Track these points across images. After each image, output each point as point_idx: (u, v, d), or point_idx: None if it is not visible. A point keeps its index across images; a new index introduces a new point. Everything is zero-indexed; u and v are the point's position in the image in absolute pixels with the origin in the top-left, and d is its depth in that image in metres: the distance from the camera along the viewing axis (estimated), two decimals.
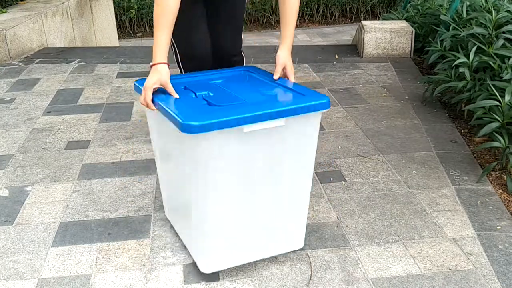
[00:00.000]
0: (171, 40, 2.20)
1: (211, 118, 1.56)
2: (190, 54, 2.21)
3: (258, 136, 1.67)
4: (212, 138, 1.59)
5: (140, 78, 1.91)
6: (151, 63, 1.81)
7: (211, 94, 1.82)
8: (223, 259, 1.83)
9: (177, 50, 2.26)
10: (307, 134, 1.77)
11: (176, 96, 1.77)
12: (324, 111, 1.73)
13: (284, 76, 2.00)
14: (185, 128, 1.55)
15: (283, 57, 1.99)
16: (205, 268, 1.82)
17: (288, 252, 1.97)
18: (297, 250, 1.99)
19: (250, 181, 1.73)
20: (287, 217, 1.86)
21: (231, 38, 2.32)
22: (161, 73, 1.78)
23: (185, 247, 2.00)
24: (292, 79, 1.97)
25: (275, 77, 1.96)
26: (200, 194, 1.69)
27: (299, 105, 1.68)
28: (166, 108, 1.68)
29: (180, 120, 1.56)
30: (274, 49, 4.59)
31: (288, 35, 2.02)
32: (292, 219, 1.88)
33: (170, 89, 1.79)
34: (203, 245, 1.78)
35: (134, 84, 1.88)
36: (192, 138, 1.57)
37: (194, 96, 1.81)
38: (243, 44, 2.40)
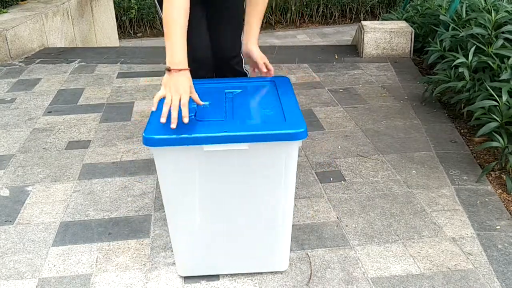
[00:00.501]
0: None
1: (173, 133, 1.58)
2: (190, 56, 2.22)
3: (222, 156, 1.64)
4: (170, 153, 1.62)
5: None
6: (178, 67, 1.67)
7: (206, 106, 1.79)
8: (195, 266, 1.85)
9: None
10: (278, 163, 1.67)
11: (201, 103, 1.72)
12: (300, 141, 1.63)
13: (266, 71, 2.06)
14: (145, 141, 1.60)
15: (257, 53, 2.07)
16: (179, 271, 1.88)
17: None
18: (297, 250, 1.99)
19: (217, 199, 1.72)
20: (262, 240, 1.81)
21: (231, 39, 2.32)
22: (190, 80, 1.67)
23: None
24: (271, 69, 2.05)
25: (263, 69, 2.04)
26: (164, 202, 1.75)
27: (266, 132, 1.60)
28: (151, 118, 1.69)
29: (144, 133, 1.60)
30: (274, 49, 4.60)
31: (255, 34, 2.11)
32: (267, 242, 1.82)
33: (196, 96, 1.69)
34: (174, 249, 1.84)
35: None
36: (154, 151, 1.62)
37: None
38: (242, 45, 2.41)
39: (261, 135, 1.60)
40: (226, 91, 1.93)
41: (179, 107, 1.62)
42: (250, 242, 1.82)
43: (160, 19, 2.05)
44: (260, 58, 2.06)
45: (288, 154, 1.66)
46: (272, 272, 1.88)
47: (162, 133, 1.60)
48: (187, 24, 1.74)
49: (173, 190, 1.71)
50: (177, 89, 1.64)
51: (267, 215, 1.77)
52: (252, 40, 2.09)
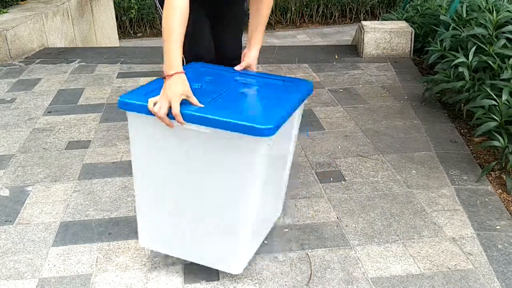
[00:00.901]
0: None
1: (145, 102, 1.63)
2: (194, 59, 2.24)
3: (187, 137, 1.63)
4: (139, 120, 1.68)
5: (124, 93, 1.79)
6: (170, 72, 1.65)
7: (204, 86, 1.82)
8: (153, 240, 1.89)
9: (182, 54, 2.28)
10: (239, 157, 1.60)
11: (200, 105, 1.64)
12: (267, 137, 1.54)
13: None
14: (118, 103, 1.68)
15: (252, 57, 2.05)
16: (140, 242, 1.92)
17: (287, 253, 1.98)
18: (297, 250, 1.99)
19: (181, 179, 1.71)
20: (219, 235, 1.76)
21: (232, 41, 2.34)
22: (184, 83, 1.64)
23: None
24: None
25: (237, 68, 2.03)
26: (133, 168, 1.81)
27: (227, 119, 1.54)
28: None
29: (119, 97, 1.69)
30: (274, 49, 4.60)
31: (259, 40, 2.10)
32: (224, 239, 1.76)
33: (195, 100, 1.65)
34: (138, 218, 1.89)
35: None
36: (127, 115, 1.70)
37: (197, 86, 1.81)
38: (242, 46, 2.42)
39: (221, 122, 1.55)
40: (236, 78, 1.93)
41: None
42: (209, 233, 1.77)
43: (160, 19, 2.04)
44: (246, 63, 2.06)
45: (250, 149, 1.58)
46: (272, 272, 1.88)
47: (135, 99, 1.65)
48: (185, 30, 1.73)
49: (140, 158, 1.76)
50: (167, 94, 1.61)
51: (226, 213, 1.71)
52: (254, 45, 2.08)
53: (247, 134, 1.54)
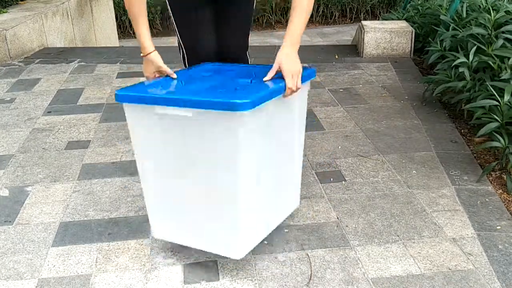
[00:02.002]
0: (179, 40, 2.24)
1: (135, 93, 1.73)
2: (196, 56, 2.23)
3: (175, 122, 1.69)
4: (133, 110, 1.77)
5: (121, 87, 1.92)
6: (141, 54, 2.01)
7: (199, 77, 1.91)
8: (164, 231, 1.92)
9: (184, 51, 2.28)
10: (221, 137, 1.63)
11: (174, 76, 1.92)
12: (244, 112, 1.55)
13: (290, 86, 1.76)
14: (116, 96, 1.78)
15: (278, 55, 1.78)
16: (153, 233, 1.97)
17: (287, 253, 1.97)
18: (297, 250, 1.99)
19: (178, 166, 1.76)
20: (216, 220, 1.77)
21: (238, 40, 2.32)
22: (155, 60, 1.96)
23: (185, 247, 2.00)
24: (288, 83, 1.72)
25: (265, 78, 1.77)
26: (136, 159, 1.90)
27: (205, 98, 1.59)
28: None
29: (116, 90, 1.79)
30: (274, 49, 4.59)
31: (289, 32, 1.81)
32: (222, 224, 1.77)
33: (168, 70, 1.94)
34: (148, 210, 1.94)
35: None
36: (124, 106, 1.80)
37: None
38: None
39: (199, 101, 1.60)
40: (233, 68, 2.00)
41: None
42: (209, 218, 1.78)
43: (172, 24, 2.26)
44: (286, 70, 1.75)
45: (231, 127, 1.60)
46: (272, 272, 1.88)
47: (129, 91, 1.75)
48: (145, 10, 1.97)
49: (139, 149, 1.84)
50: (144, 72, 2.03)
51: (221, 196, 1.72)
52: (285, 44, 1.81)
53: (224, 110, 1.57)
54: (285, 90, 1.75)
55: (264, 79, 1.78)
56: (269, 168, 1.85)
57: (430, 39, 4.11)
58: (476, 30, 3.25)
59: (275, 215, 2.02)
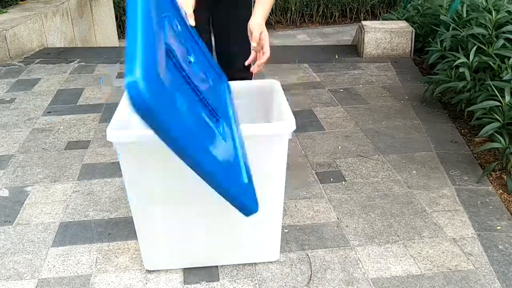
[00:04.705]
0: None
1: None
2: None
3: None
4: (124, 150, 1.73)
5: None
6: None
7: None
8: (163, 260, 1.88)
9: None
10: None
11: (191, 13, 1.79)
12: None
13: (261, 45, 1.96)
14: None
15: (256, 23, 1.97)
16: (146, 265, 1.91)
17: (287, 253, 1.97)
18: (297, 251, 1.99)
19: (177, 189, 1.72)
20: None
21: (239, 45, 2.30)
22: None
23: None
24: (267, 50, 1.98)
25: (253, 44, 1.98)
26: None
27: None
28: None
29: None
30: (274, 49, 4.58)
31: (260, 6, 2.02)
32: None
33: (188, 12, 1.79)
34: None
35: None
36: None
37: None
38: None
39: None
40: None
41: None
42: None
43: None
44: (257, 30, 1.97)
45: None
46: (272, 272, 1.87)
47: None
48: None
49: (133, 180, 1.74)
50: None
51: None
52: (258, 16, 2.01)
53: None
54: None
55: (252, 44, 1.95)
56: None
57: (430, 39, 4.11)
58: (477, 30, 3.24)
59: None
